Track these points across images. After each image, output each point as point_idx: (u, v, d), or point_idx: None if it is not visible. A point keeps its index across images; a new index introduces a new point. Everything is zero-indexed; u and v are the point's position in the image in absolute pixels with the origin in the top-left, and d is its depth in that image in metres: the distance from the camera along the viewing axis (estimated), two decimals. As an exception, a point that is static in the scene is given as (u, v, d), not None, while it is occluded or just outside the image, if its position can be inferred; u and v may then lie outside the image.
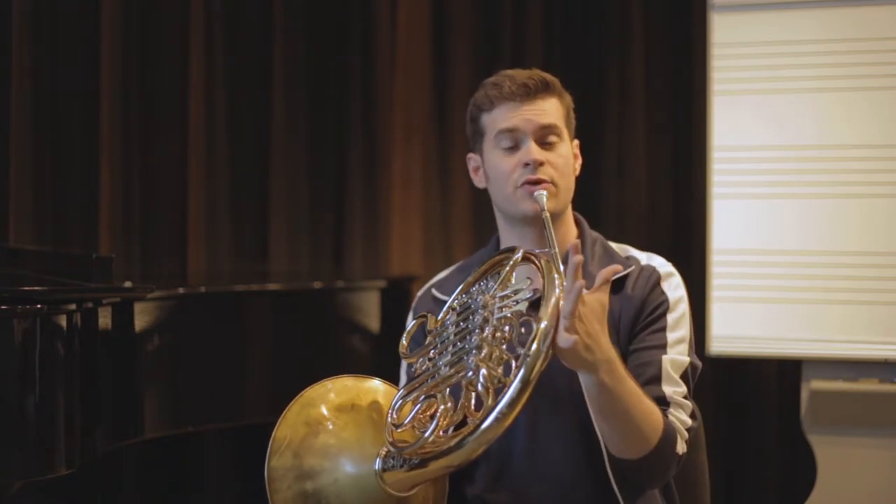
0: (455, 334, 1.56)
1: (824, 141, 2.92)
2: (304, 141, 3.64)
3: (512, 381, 1.43)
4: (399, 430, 1.53)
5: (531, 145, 1.73)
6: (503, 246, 1.83)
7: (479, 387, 1.46)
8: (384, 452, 1.55)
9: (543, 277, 1.52)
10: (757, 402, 3.36)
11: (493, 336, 1.49)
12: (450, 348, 1.55)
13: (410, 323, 1.87)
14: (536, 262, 1.57)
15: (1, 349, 2.01)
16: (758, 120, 2.96)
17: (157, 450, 3.26)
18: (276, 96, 3.63)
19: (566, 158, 1.76)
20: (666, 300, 1.74)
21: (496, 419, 1.42)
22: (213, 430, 3.09)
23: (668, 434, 1.62)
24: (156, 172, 3.65)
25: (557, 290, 1.48)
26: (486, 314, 1.51)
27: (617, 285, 1.73)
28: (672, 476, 1.71)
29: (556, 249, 1.58)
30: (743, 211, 2.98)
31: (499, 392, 1.44)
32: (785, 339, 2.93)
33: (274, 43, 3.63)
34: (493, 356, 1.47)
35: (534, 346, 1.44)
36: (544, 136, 1.74)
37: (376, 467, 1.54)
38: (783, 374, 3.29)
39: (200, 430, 2.72)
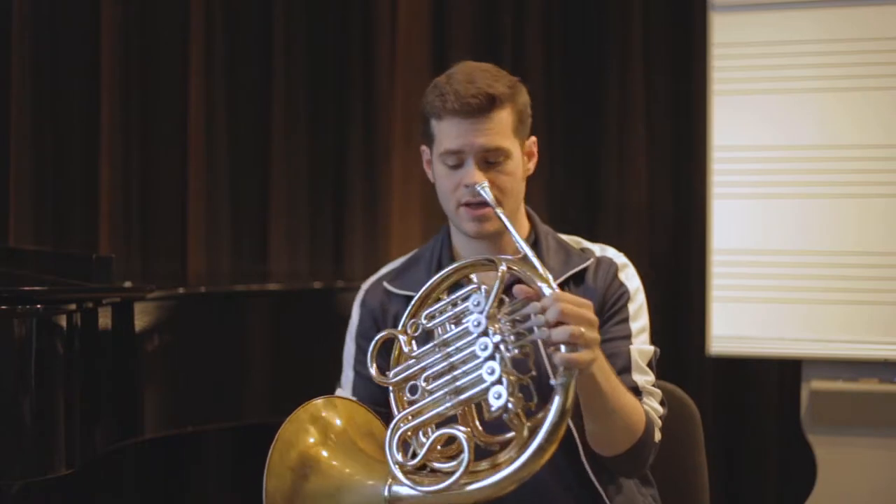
0: (447, 356, 1.47)
1: (824, 141, 2.93)
2: (303, 141, 3.64)
3: (551, 410, 1.37)
4: (408, 465, 1.44)
5: (472, 168, 1.67)
6: (455, 239, 1.80)
7: (505, 416, 1.39)
8: (391, 481, 1.46)
9: (531, 284, 1.46)
10: (757, 402, 3.36)
11: (510, 361, 1.41)
12: (448, 373, 1.46)
13: (357, 315, 1.83)
14: (516, 271, 1.49)
15: (1, 349, 2.01)
16: (758, 120, 2.97)
17: (157, 450, 3.26)
18: (277, 96, 3.62)
19: (511, 175, 1.70)
20: (626, 290, 1.75)
21: (539, 448, 1.37)
22: (213, 430, 3.09)
23: (649, 424, 1.64)
24: (156, 172, 3.65)
25: (559, 307, 1.41)
26: (494, 340, 1.42)
27: (578, 278, 1.75)
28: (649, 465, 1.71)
29: (528, 249, 1.53)
30: (743, 211, 2.98)
31: (529, 414, 1.40)
32: (785, 339, 2.93)
33: (274, 43, 3.63)
34: (514, 381, 1.40)
35: (564, 376, 1.39)
36: (487, 158, 1.68)
37: (385, 494, 1.45)
38: (783, 374, 3.29)
39: (200, 430, 2.72)
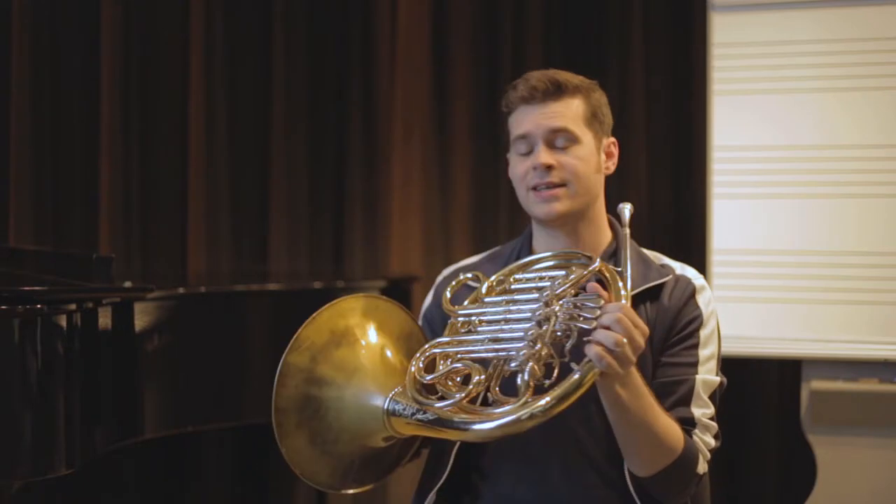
0: (507, 311, 1.57)
1: (824, 141, 2.93)
2: (303, 141, 3.64)
3: (558, 390, 1.44)
4: (423, 379, 1.54)
5: (540, 149, 1.73)
6: (536, 241, 1.82)
7: (519, 378, 1.47)
8: (397, 393, 1.55)
9: (609, 290, 1.54)
10: (757, 402, 3.36)
11: (551, 334, 1.49)
12: (500, 323, 1.56)
13: (429, 301, 1.89)
14: (604, 276, 1.58)
15: (1, 349, 2.01)
16: (758, 120, 2.97)
17: (157, 450, 3.26)
18: (277, 96, 3.63)
19: (582, 160, 1.73)
20: (700, 315, 1.73)
21: (530, 416, 1.44)
22: (213, 430, 3.09)
23: (689, 453, 1.63)
24: (156, 172, 3.65)
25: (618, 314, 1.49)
26: (550, 312, 1.51)
27: (653, 293, 1.73)
28: (691, 494, 1.70)
29: (629, 271, 1.61)
30: (743, 211, 2.98)
31: (539, 390, 1.47)
32: (785, 339, 2.93)
33: (274, 43, 3.63)
34: (543, 353, 1.48)
35: (585, 368, 1.47)
36: (554, 139, 1.73)
37: (385, 406, 1.55)
38: (783, 374, 3.29)
39: (200, 430, 2.72)
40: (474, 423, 1.47)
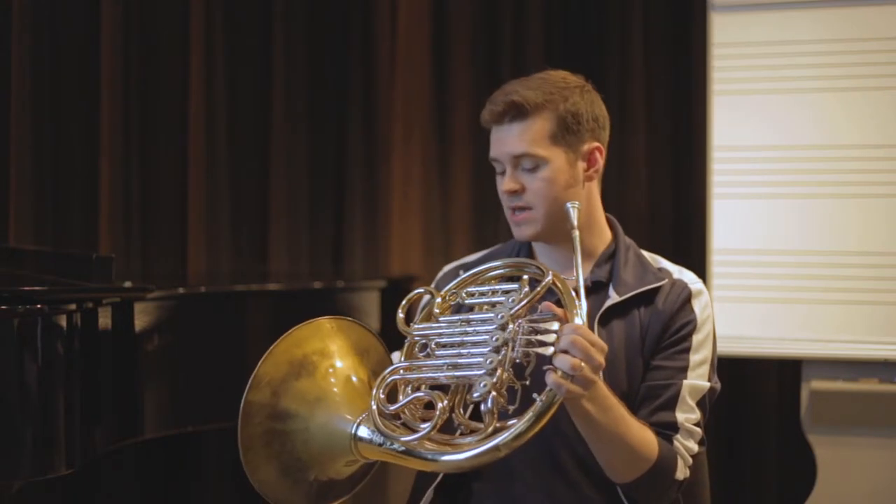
0: (464, 333, 1.54)
1: (824, 141, 2.93)
2: (304, 141, 3.64)
3: (524, 419, 1.43)
4: (387, 410, 1.51)
5: (508, 174, 1.74)
6: (535, 245, 1.83)
7: (483, 406, 1.45)
8: (364, 419, 1.53)
9: (564, 306, 1.52)
10: (757, 402, 3.36)
11: (510, 361, 1.47)
12: (457, 346, 1.53)
13: (426, 298, 1.88)
14: (557, 289, 1.55)
15: (1, 349, 2.01)
16: (758, 120, 2.97)
17: (157, 450, 3.26)
18: (277, 96, 3.63)
19: (549, 181, 1.72)
20: (694, 319, 1.73)
21: (497, 448, 1.43)
22: (213, 430, 3.09)
23: (664, 461, 1.63)
24: (156, 172, 3.65)
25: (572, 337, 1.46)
26: (507, 337, 1.49)
27: (648, 297, 1.73)
28: (674, 499, 1.70)
29: (582, 280, 1.57)
30: (743, 211, 2.98)
31: (503, 415, 1.45)
32: (785, 339, 2.93)
33: (274, 42, 3.63)
34: (504, 378, 1.46)
35: (547, 397, 1.44)
36: (517, 164, 1.73)
37: (352, 431, 1.53)
38: (783, 374, 3.29)
39: (200, 430, 2.71)
40: (444, 454, 1.46)
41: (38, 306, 2.05)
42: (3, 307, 2.02)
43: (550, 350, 1.45)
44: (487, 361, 1.47)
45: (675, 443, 1.66)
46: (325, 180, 3.65)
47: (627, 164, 3.40)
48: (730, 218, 2.98)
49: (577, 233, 1.64)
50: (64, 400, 2.07)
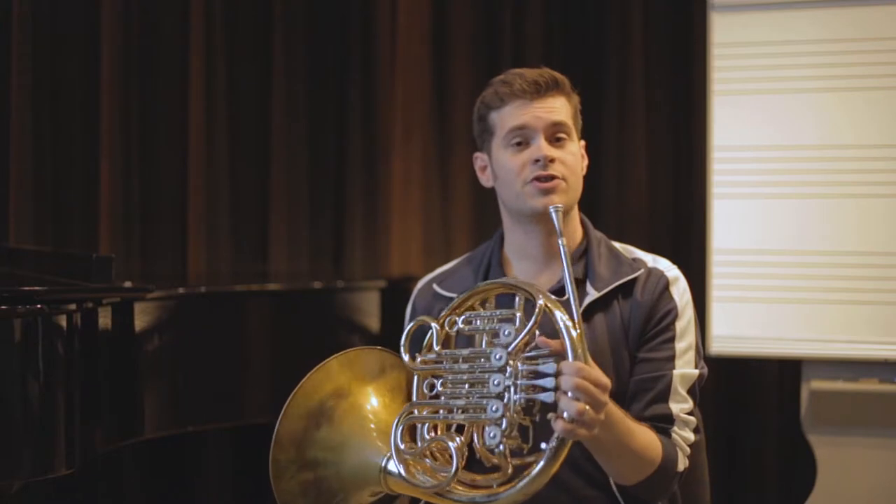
0: (470, 371, 1.53)
1: (824, 141, 2.93)
2: (304, 141, 3.64)
3: (538, 462, 1.44)
4: (406, 454, 1.53)
5: (541, 142, 1.72)
6: (508, 243, 1.82)
7: (495, 451, 1.47)
8: (392, 455, 1.54)
9: (563, 340, 1.49)
10: (757, 402, 3.36)
11: (515, 406, 1.47)
12: (463, 384, 1.53)
13: (408, 314, 1.89)
14: (548, 310, 1.51)
15: (1, 349, 2.01)
16: (758, 120, 2.97)
17: (157, 450, 3.26)
18: (276, 96, 3.63)
19: (575, 156, 1.76)
20: (674, 307, 1.73)
21: (519, 491, 1.45)
22: (213, 430, 3.09)
23: (668, 460, 1.64)
24: (156, 172, 3.64)
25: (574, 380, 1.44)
26: (507, 381, 1.48)
27: (626, 289, 1.73)
28: (673, 490, 1.72)
29: (574, 293, 1.54)
30: (743, 211, 2.98)
31: (516, 453, 1.48)
32: (785, 339, 2.93)
33: (274, 42, 3.63)
34: (513, 422, 1.46)
35: (556, 441, 1.45)
36: (554, 134, 1.74)
37: (382, 464, 1.55)
38: (783, 374, 3.29)
39: (200, 430, 2.72)
40: (474, 498, 1.49)
41: (38, 306, 2.05)
42: (3, 307, 2.02)
43: (552, 397, 1.44)
44: (493, 409, 1.47)
45: (673, 435, 1.67)
46: (325, 180, 3.65)
47: (627, 164, 3.40)
48: (730, 218, 2.98)
49: (563, 240, 1.59)
50: (64, 400, 2.07)
